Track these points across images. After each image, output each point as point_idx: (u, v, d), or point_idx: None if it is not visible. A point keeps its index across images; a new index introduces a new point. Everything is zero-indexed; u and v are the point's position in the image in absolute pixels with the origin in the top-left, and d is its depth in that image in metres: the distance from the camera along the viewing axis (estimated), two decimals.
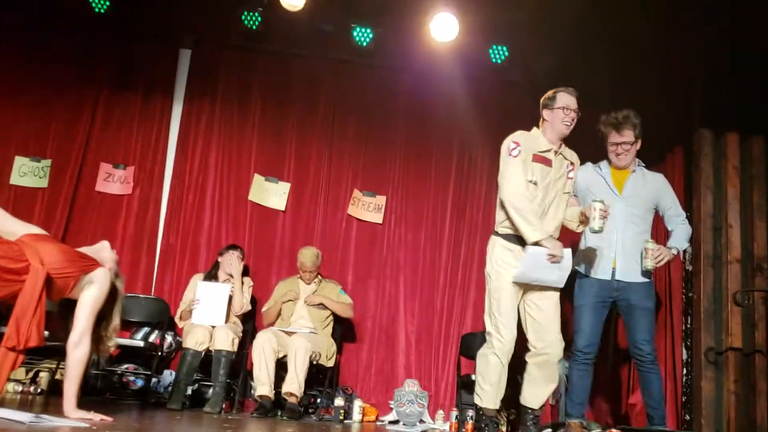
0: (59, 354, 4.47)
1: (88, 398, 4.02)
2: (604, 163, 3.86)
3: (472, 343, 5.15)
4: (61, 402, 2.96)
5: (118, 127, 5.79)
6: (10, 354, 2.62)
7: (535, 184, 3.44)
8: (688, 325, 4.52)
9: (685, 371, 4.49)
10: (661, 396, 3.69)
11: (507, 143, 3.53)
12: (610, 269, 3.68)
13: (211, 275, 5.01)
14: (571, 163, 3.63)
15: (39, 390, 4.68)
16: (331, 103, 5.99)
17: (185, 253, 5.59)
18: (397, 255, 5.80)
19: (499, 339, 3.43)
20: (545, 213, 3.49)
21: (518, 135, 3.56)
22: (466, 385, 5.07)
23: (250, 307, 4.99)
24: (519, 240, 3.43)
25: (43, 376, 4.79)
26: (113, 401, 4.52)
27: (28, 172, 5.59)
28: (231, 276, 4.98)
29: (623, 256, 3.66)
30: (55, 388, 4.61)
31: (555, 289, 3.50)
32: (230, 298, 4.85)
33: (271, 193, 5.75)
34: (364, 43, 5.69)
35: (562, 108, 3.50)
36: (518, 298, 3.51)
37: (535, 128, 3.64)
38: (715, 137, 4.55)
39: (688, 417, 4.40)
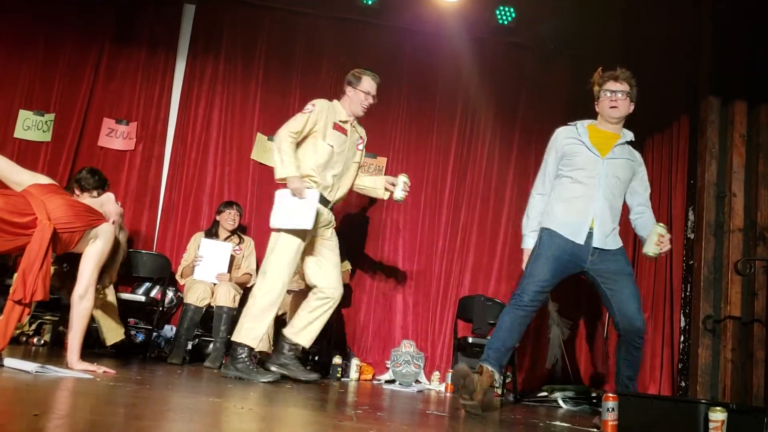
0: (62, 307, 4.52)
1: (89, 351, 4.08)
2: (581, 124, 3.47)
3: (469, 306, 5.19)
4: (65, 353, 3.00)
5: (121, 82, 5.76)
6: (16, 307, 2.66)
7: (332, 146, 3.91)
8: (688, 293, 4.54)
9: (682, 338, 4.53)
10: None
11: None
12: (585, 233, 3.25)
13: (212, 233, 5.02)
14: (361, 138, 4.15)
15: (42, 342, 4.74)
16: (335, 63, 5.92)
17: (187, 209, 5.61)
18: (396, 218, 5.80)
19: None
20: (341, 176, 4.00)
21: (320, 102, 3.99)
22: (463, 347, 5.11)
23: (254, 279, 5.06)
24: None
25: (47, 328, 4.84)
26: (114, 355, 4.56)
27: (32, 126, 5.58)
28: (231, 233, 5.00)
29: (601, 223, 3.27)
30: (58, 340, 4.68)
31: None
32: (232, 257, 4.89)
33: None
34: (370, 2, 5.61)
35: (363, 92, 4.00)
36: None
37: (336, 100, 4.11)
38: (723, 105, 4.50)
39: (683, 384, 4.45)
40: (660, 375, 4.69)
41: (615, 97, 3.38)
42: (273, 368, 3.79)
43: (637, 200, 3.46)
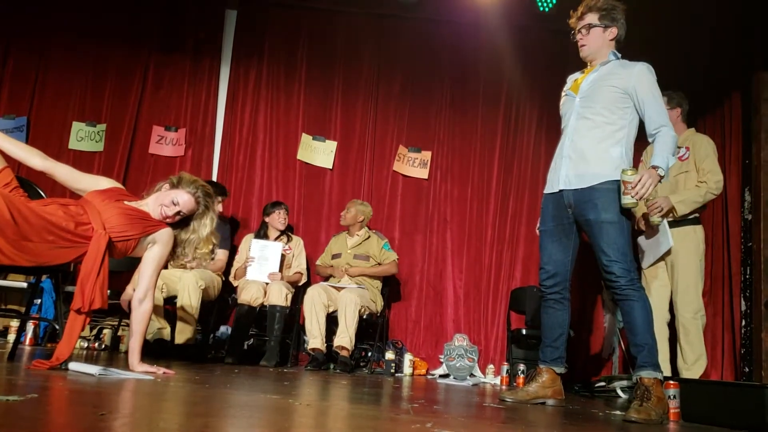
0: (121, 312, 4.65)
1: (150, 352, 4.18)
2: (573, 75, 3.27)
3: (521, 298, 5.14)
4: (125, 356, 3.08)
5: (169, 90, 5.90)
6: (78, 316, 2.74)
7: None
8: (747, 276, 4.41)
9: (743, 323, 4.40)
10: (646, 330, 2.81)
11: None
12: (558, 180, 3.06)
13: (261, 234, 5.10)
14: None
15: (103, 346, 4.89)
16: (376, 59, 5.95)
17: (237, 212, 5.71)
18: (443, 210, 5.78)
19: None
20: None
21: None
22: (517, 339, 5.07)
23: (305, 277, 5.13)
24: None
25: (107, 333, 4.99)
26: (172, 355, 4.67)
27: (85, 137, 5.76)
28: (281, 233, 5.07)
29: (568, 162, 3.02)
30: (118, 344, 4.82)
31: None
32: (282, 257, 4.95)
33: (319, 152, 5.79)
34: None
35: None
36: None
37: None
38: None
39: (747, 369, 4.32)
40: (722, 361, 4.57)
41: (580, 35, 3.12)
42: None
43: (646, 124, 2.95)
